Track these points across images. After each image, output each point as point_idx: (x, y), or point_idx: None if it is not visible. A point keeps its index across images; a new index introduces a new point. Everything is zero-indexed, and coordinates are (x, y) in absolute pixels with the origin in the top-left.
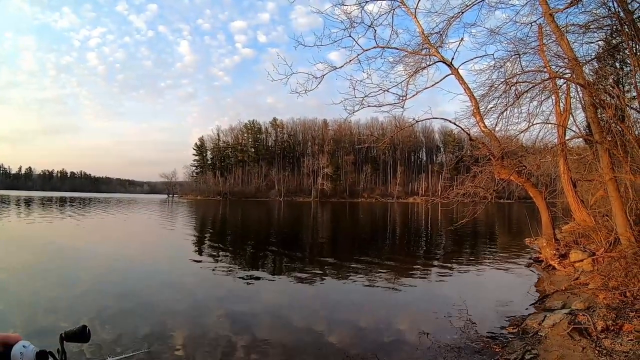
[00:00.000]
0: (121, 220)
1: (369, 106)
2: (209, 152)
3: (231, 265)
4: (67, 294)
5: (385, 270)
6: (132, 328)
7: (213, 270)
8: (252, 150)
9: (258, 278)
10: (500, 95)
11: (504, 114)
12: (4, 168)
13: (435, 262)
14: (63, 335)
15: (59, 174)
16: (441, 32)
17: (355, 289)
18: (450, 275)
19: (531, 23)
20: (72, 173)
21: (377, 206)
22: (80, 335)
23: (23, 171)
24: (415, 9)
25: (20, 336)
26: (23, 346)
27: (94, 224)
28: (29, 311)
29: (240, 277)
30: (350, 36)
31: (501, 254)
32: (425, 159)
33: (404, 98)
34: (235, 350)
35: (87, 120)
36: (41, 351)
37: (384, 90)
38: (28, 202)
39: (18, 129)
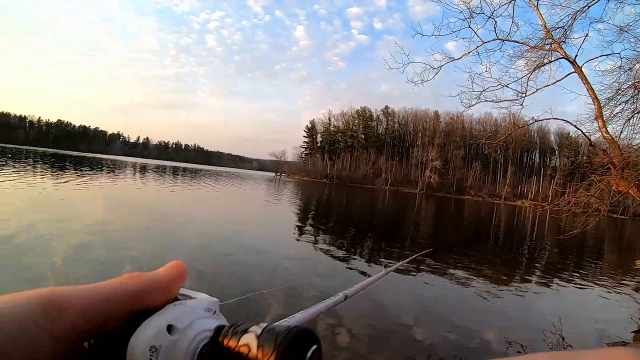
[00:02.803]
0: (237, 193)
1: (486, 101)
2: (319, 135)
3: (330, 246)
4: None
5: (482, 273)
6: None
7: (314, 247)
8: (362, 136)
9: (352, 262)
10: (628, 100)
11: (631, 121)
12: (124, 137)
13: (535, 272)
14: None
15: (173, 145)
16: (565, 27)
17: (447, 287)
18: (549, 287)
19: None
20: (187, 145)
21: (483, 206)
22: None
23: (141, 141)
24: (538, 0)
25: (179, 277)
26: (169, 327)
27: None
28: None
29: (335, 258)
30: (469, 27)
31: (607, 273)
32: (538, 160)
33: (524, 95)
34: (320, 333)
35: (203, 97)
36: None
37: (503, 86)
38: (155, 168)
39: (138, 103)
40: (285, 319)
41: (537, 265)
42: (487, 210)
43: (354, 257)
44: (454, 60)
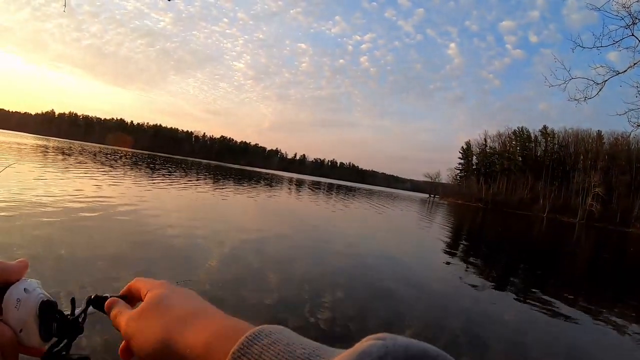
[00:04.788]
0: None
1: None
2: (474, 157)
3: (467, 275)
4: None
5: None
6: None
7: (460, 276)
8: (520, 159)
9: (501, 294)
10: None
11: None
12: (281, 153)
13: None
14: (92, 298)
15: (329, 163)
16: None
17: (601, 338)
18: None
19: None
20: (341, 163)
21: None
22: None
23: (297, 157)
24: None
25: (25, 267)
26: (25, 289)
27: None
28: None
29: (479, 288)
30: (632, 35)
31: None
32: None
33: None
34: None
35: (358, 117)
36: (49, 302)
37: None
38: (311, 185)
39: (296, 121)
40: None
41: None
42: None
43: (486, 289)
44: (619, 73)
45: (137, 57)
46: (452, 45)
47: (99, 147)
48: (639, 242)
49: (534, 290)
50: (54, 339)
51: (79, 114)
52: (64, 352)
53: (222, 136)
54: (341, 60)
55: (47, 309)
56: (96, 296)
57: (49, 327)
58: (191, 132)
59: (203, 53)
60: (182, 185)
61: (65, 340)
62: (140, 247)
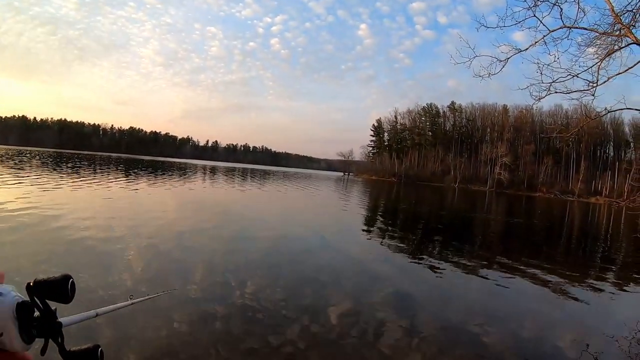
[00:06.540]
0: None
1: (556, 92)
2: (386, 134)
3: (398, 244)
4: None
5: (553, 276)
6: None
7: (381, 244)
8: (430, 133)
9: (420, 260)
10: None
11: None
12: (193, 140)
13: (610, 275)
14: (32, 285)
15: (242, 148)
16: (634, 10)
17: (517, 290)
18: (627, 292)
19: None
20: (254, 147)
21: (556, 203)
22: (59, 288)
23: (210, 144)
24: None
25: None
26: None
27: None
28: None
29: (403, 256)
30: (534, 16)
31: None
32: (612, 154)
33: (595, 84)
34: (384, 333)
35: (270, 100)
36: (25, 303)
37: (573, 76)
38: (226, 171)
39: (207, 107)
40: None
41: (613, 266)
42: (559, 208)
43: (413, 258)
44: (521, 51)
45: (38, 47)
46: (363, 26)
47: (5, 149)
48: (546, 205)
49: (449, 254)
50: (39, 341)
51: None
52: (71, 349)
53: (131, 127)
54: (252, 43)
55: (25, 310)
56: (35, 282)
57: (29, 328)
58: (99, 125)
59: (108, 40)
60: (95, 183)
61: (52, 339)
62: (59, 252)
